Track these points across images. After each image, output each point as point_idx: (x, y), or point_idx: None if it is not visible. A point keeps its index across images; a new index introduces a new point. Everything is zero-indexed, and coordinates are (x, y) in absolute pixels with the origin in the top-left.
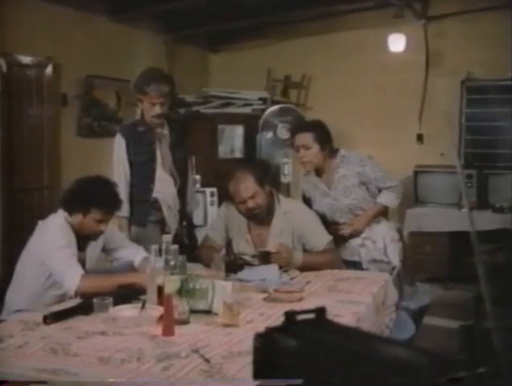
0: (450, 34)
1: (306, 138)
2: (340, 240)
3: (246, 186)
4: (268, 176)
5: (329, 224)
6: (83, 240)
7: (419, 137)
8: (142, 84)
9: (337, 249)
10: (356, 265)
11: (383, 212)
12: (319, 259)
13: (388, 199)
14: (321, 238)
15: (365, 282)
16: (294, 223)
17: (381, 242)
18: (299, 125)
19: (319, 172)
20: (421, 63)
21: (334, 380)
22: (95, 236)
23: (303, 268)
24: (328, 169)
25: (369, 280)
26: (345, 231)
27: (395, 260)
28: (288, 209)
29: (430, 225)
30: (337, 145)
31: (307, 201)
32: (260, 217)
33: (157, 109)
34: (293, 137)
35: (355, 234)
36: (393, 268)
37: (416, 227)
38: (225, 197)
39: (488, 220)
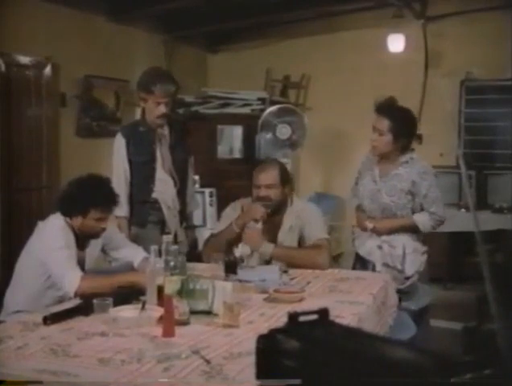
0: (449, 34)
1: (383, 124)
2: (362, 235)
3: (269, 174)
4: (290, 183)
5: (359, 210)
6: (83, 239)
7: (419, 137)
8: (147, 82)
9: (330, 250)
10: (371, 265)
11: (411, 229)
12: (293, 253)
13: (423, 221)
14: (315, 232)
15: (365, 283)
16: (301, 220)
17: (400, 249)
18: (385, 107)
19: (382, 158)
20: (420, 63)
21: (337, 382)
22: (97, 234)
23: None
24: (391, 162)
25: (369, 280)
26: (367, 225)
27: (410, 270)
28: (299, 209)
29: None
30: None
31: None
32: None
33: (162, 109)
34: (376, 115)
35: (374, 232)
36: (406, 278)
37: None
38: (225, 197)
39: (487, 221)
